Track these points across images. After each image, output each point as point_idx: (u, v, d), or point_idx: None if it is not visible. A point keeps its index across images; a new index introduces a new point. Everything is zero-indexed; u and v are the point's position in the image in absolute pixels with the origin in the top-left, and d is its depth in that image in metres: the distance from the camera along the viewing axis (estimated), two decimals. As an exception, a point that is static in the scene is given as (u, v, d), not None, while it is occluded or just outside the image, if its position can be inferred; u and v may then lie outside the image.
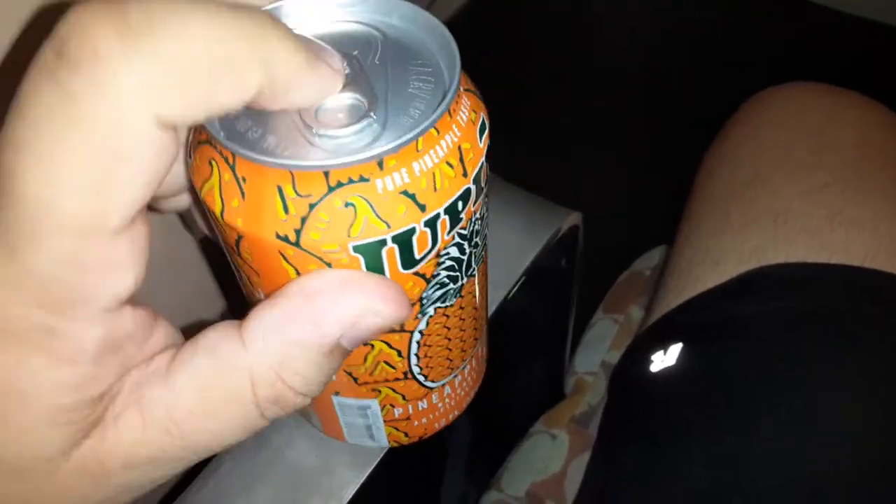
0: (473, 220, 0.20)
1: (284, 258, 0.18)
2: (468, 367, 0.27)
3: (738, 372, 0.39)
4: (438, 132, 0.18)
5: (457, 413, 0.28)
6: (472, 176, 0.19)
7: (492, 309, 0.34)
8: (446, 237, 0.19)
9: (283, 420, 0.19)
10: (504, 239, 0.36)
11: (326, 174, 0.17)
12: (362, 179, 0.17)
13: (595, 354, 0.52)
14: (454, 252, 0.20)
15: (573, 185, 0.81)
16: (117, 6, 0.14)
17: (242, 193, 0.18)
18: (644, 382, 0.42)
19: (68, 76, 0.13)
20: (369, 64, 0.20)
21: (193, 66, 0.14)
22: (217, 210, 0.18)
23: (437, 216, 0.19)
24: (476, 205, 0.20)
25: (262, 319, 0.18)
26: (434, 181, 0.18)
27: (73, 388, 0.16)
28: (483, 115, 0.20)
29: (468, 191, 0.19)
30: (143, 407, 0.17)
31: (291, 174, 0.17)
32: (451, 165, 0.18)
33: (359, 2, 0.21)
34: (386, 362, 0.23)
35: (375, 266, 0.19)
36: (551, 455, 0.47)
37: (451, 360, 0.25)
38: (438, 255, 0.20)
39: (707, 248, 0.44)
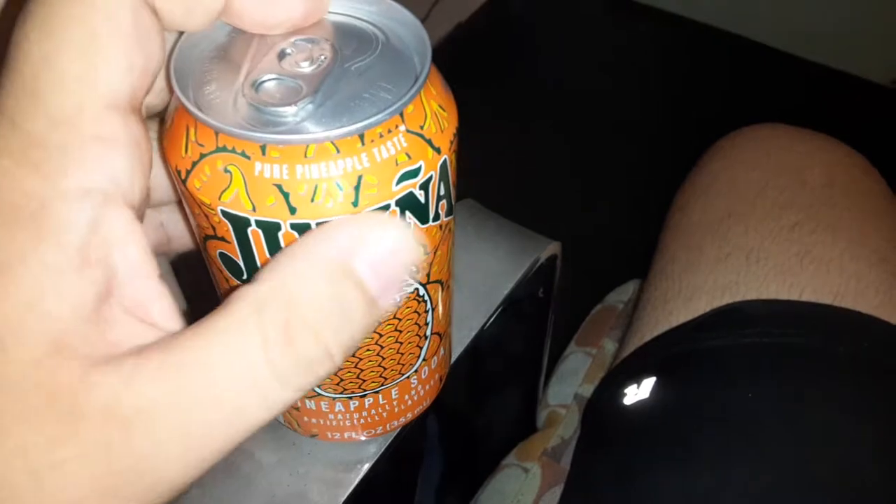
0: None
1: (181, 193, 0.20)
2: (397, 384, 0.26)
3: (711, 406, 0.39)
4: (338, 150, 0.18)
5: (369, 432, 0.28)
6: (364, 209, 0.19)
7: (469, 337, 0.34)
8: None
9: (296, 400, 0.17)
10: (482, 266, 0.36)
11: (217, 134, 0.18)
12: (244, 155, 0.18)
13: (568, 387, 0.52)
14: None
15: (550, 214, 0.82)
16: None
17: (171, 122, 0.20)
18: (618, 415, 0.42)
19: None
20: (347, 60, 0.20)
21: None
22: (158, 135, 0.21)
23: (308, 226, 0.18)
24: None
25: (276, 257, 0.17)
26: (314, 192, 0.18)
27: (56, 271, 0.15)
28: (419, 165, 0.19)
29: None
30: (145, 359, 0.16)
31: (195, 122, 0.19)
32: (339, 187, 0.18)
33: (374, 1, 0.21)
34: None
35: (243, 240, 0.19)
36: (523, 489, 0.46)
37: (362, 380, 0.25)
38: None
39: (680, 283, 0.44)
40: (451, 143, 0.21)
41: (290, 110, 0.19)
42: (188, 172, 0.19)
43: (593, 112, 1.25)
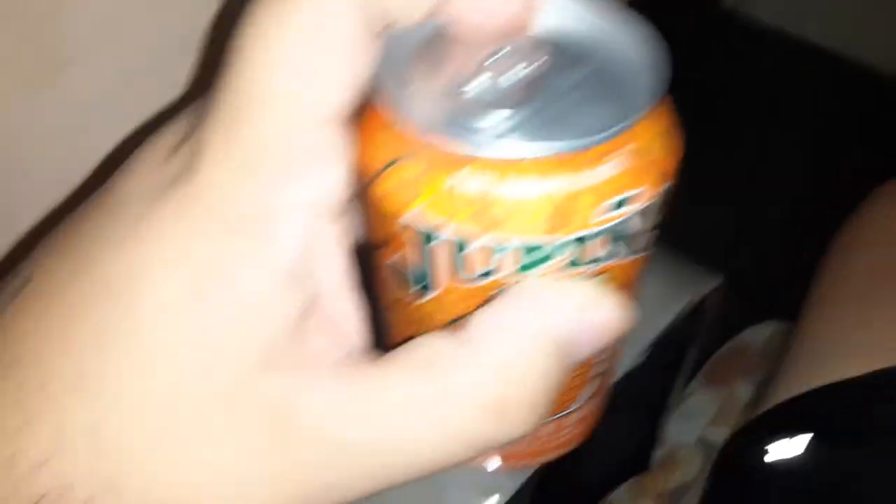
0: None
1: (360, 196, 0.18)
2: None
3: (877, 479, 0.35)
4: (551, 168, 0.16)
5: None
6: (573, 233, 0.16)
7: (618, 376, 0.31)
8: (512, 275, 0.17)
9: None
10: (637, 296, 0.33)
11: (420, 135, 0.16)
12: (443, 163, 0.16)
13: (691, 427, 0.48)
14: (526, 282, 0.18)
15: (677, 240, 0.78)
16: None
17: (364, 119, 0.17)
18: (761, 471, 0.38)
19: None
20: (562, 70, 0.18)
21: None
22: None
23: (503, 248, 0.17)
24: (573, 270, 0.17)
25: (485, 319, 0.16)
26: (519, 211, 0.16)
27: (264, 289, 0.15)
28: (634, 193, 0.17)
29: (560, 245, 0.17)
30: (346, 379, 0.16)
31: (394, 122, 0.17)
32: (550, 207, 0.16)
33: (602, 15, 0.19)
34: None
35: (421, 254, 0.17)
36: (635, 530, 0.43)
37: None
38: (500, 286, 0.17)
39: (842, 338, 0.40)
40: (675, 168, 0.18)
41: (497, 120, 0.17)
42: (375, 175, 0.17)
43: (727, 131, 1.19)
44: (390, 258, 0.19)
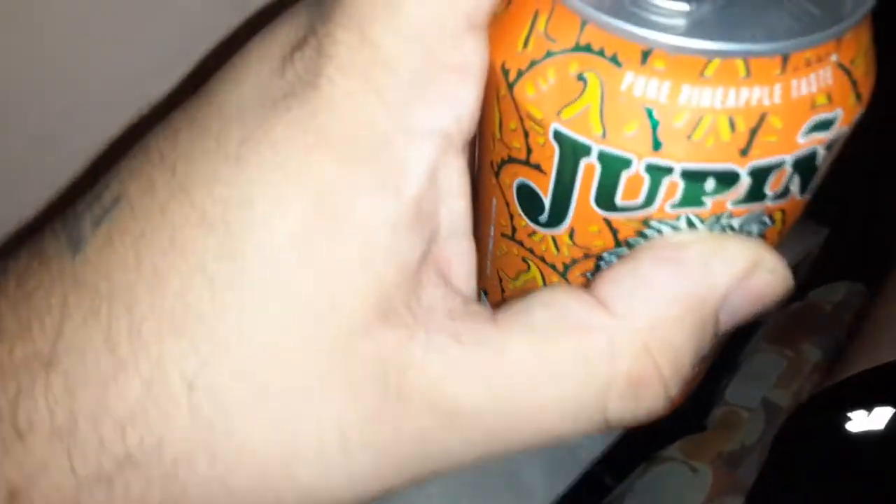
0: (721, 221, 0.15)
1: (497, 98, 0.15)
2: None
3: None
4: (748, 73, 0.13)
5: None
6: (750, 162, 0.14)
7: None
8: (668, 209, 0.15)
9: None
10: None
11: (583, 26, 0.14)
12: (614, 60, 0.13)
13: (754, 389, 0.45)
14: (668, 234, 0.15)
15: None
16: None
17: (509, 1, 0.15)
18: (834, 443, 0.35)
19: None
20: None
21: None
22: None
23: (667, 171, 0.14)
24: (741, 208, 0.15)
25: (621, 276, 0.14)
26: (694, 126, 0.13)
27: (390, 226, 0.13)
28: (836, 113, 0.14)
29: (731, 175, 0.14)
30: (463, 340, 0.14)
31: (552, 5, 0.14)
32: (731, 126, 0.13)
33: None
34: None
35: (566, 173, 0.15)
36: (689, 490, 0.41)
37: None
38: (646, 224, 0.15)
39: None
40: (870, 92, 0.15)
41: (683, 6, 0.14)
42: (520, 74, 0.14)
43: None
44: (521, 176, 0.16)
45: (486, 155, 0.17)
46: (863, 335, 0.40)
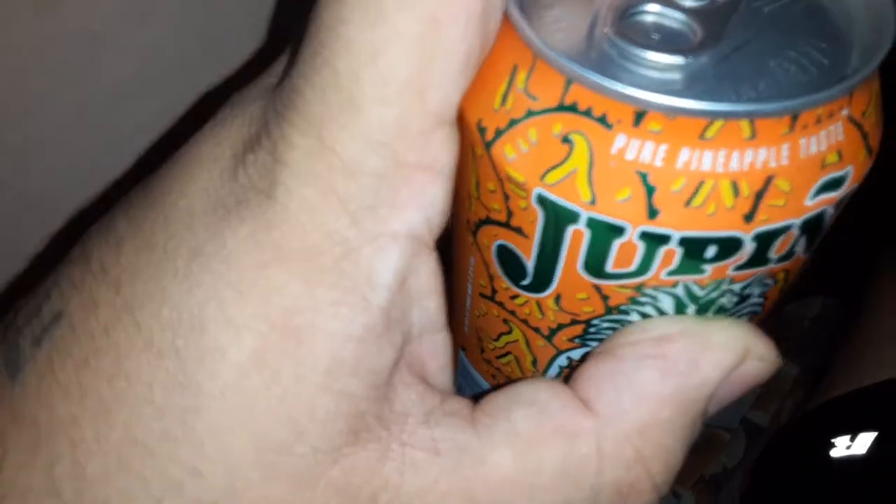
0: (725, 289, 0.14)
1: (472, 157, 0.14)
2: None
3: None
4: (754, 135, 0.12)
5: None
6: (756, 228, 0.13)
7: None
8: (663, 276, 0.13)
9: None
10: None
11: (568, 84, 0.12)
12: (603, 121, 0.12)
13: (734, 410, 0.45)
14: (665, 303, 0.14)
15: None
16: None
17: (503, 38, 0.13)
18: (816, 467, 0.35)
19: None
20: (748, 5, 0.14)
21: None
22: None
23: (664, 238, 0.13)
24: (744, 273, 0.14)
25: (604, 375, 0.13)
26: (693, 192, 0.12)
27: (358, 338, 0.12)
28: (847, 171, 0.13)
29: (735, 242, 0.13)
30: (441, 451, 0.13)
31: (534, 60, 0.13)
32: (735, 191, 0.12)
33: None
34: (518, 364, 0.18)
35: (552, 239, 0.14)
36: (672, 516, 0.41)
37: None
38: (639, 290, 0.14)
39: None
40: (880, 143, 0.14)
41: (679, 62, 0.12)
42: (499, 133, 0.13)
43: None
44: (501, 239, 0.15)
45: (461, 213, 0.16)
46: (843, 356, 0.40)
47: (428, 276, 0.13)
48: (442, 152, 0.13)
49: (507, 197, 0.14)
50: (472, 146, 0.14)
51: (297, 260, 0.12)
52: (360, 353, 0.12)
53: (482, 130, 0.14)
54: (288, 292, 0.12)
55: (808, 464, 0.36)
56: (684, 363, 0.13)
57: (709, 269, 0.13)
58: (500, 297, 0.16)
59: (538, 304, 0.15)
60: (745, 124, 0.12)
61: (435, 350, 0.14)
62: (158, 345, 0.12)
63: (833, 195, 0.13)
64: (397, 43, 0.11)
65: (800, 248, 0.14)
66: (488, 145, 0.14)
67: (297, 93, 0.12)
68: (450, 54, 0.12)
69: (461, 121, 0.14)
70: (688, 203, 0.12)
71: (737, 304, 0.15)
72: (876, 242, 0.46)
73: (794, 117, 0.12)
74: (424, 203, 0.13)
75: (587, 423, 0.13)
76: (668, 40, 0.13)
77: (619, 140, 0.12)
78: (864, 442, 0.34)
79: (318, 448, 0.12)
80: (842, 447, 0.34)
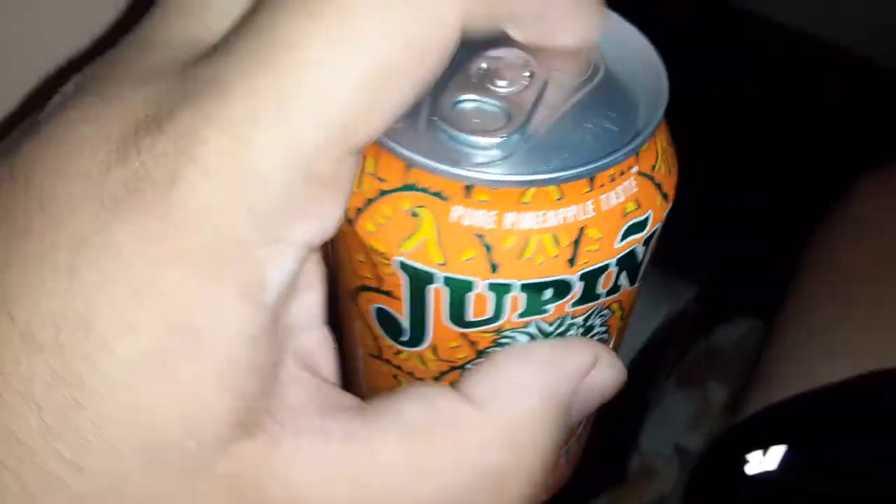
0: (568, 323, 0.16)
1: (342, 233, 0.16)
2: None
3: (852, 489, 0.34)
4: (562, 195, 0.15)
5: None
6: (579, 270, 0.15)
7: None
8: (515, 319, 0.16)
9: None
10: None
11: (408, 167, 0.15)
12: (441, 196, 0.14)
13: (666, 434, 0.46)
14: (522, 340, 0.16)
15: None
16: None
17: None
18: (738, 486, 0.36)
19: None
20: (558, 83, 0.16)
21: None
22: None
23: (508, 287, 0.15)
24: (579, 309, 0.16)
25: (482, 373, 0.15)
26: (524, 247, 0.15)
27: (251, 340, 0.13)
28: (647, 215, 0.16)
29: (565, 284, 0.15)
30: (330, 438, 0.14)
31: (378, 149, 0.15)
32: (556, 242, 0.15)
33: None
34: None
35: (418, 298, 0.16)
36: (613, 546, 0.42)
37: None
38: (499, 333, 0.16)
39: (823, 339, 0.39)
40: (676, 188, 0.17)
41: (496, 142, 0.15)
42: (359, 211, 0.15)
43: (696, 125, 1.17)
44: (377, 302, 0.17)
45: (342, 282, 0.18)
46: (757, 375, 0.42)
47: (310, 274, 0.14)
48: (349, 176, 0.13)
49: (374, 265, 0.16)
50: (341, 224, 0.16)
51: (194, 259, 0.12)
52: (252, 353, 0.13)
53: (345, 210, 0.15)
54: (184, 292, 0.12)
55: (729, 484, 0.38)
56: (549, 361, 0.15)
57: (551, 308, 0.16)
58: (386, 355, 0.18)
59: (419, 356, 0.17)
60: (553, 189, 0.14)
61: (321, 345, 0.15)
62: (39, 339, 0.12)
63: (639, 236, 0.15)
64: (351, 75, 0.12)
65: (623, 282, 0.16)
66: (352, 222, 0.16)
67: (221, 86, 0.12)
68: (394, 97, 0.12)
69: None
70: (520, 256, 0.15)
71: (584, 334, 0.17)
72: (792, 265, 0.48)
73: (591, 179, 0.14)
74: (324, 217, 0.13)
75: (469, 411, 0.14)
76: (486, 123, 0.15)
77: (456, 210, 0.14)
78: (775, 457, 0.36)
79: (208, 444, 0.12)
80: (755, 464, 0.36)
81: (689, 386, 0.50)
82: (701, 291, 0.37)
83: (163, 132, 0.12)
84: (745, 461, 0.37)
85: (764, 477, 0.36)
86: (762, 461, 0.36)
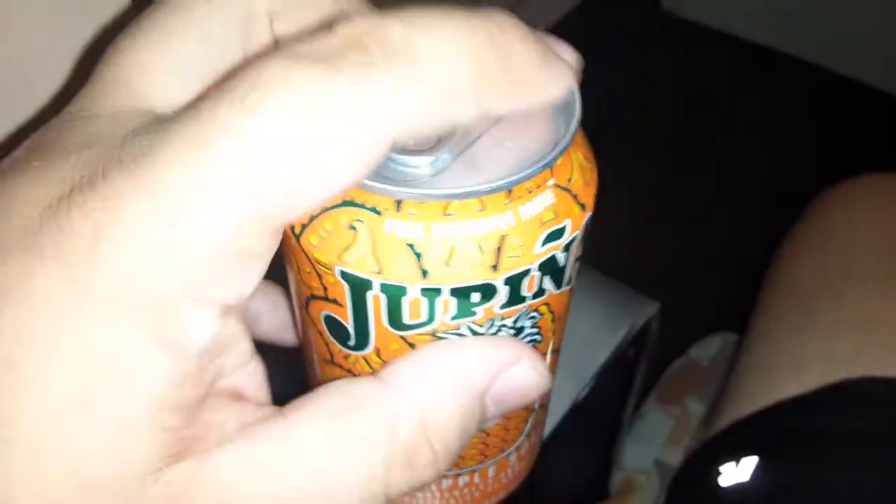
0: (499, 324, 0.18)
1: (290, 249, 0.17)
2: (494, 464, 0.23)
3: (821, 498, 0.35)
4: (483, 207, 0.16)
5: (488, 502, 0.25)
6: (502, 275, 0.16)
7: (564, 409, 0.30)
8: (449, 321, 0.17)
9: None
10: (577, 328, 0.32)
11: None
12: (375, 210, 0.16)
13: (647, 450, 0.47)
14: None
15: (624, 256, 0.78)
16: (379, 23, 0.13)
17: None
18: (712, 497, 0.37)
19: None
20: None
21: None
22: None
23: (438, 292, 0.16)
24: (507, 311, 0.17)
25: (403, 366, 0.16)
26: (450, 254, 0.16)
27: (176, 384, 0.13)
28: (566, 223, 0.17)
29: (490, 288, 0.16)
30: (253, 441, 0.15)
31: None
32: (480, 250, 0.16)
33: None
34: None
35: (359, 305, 0.17)
36: (596, 563, 0.42)
37: (461, 458, 0.22)
38: (435, 336, 0.17)
39: (787, 349, 0.40)
40: (595, 198, 0.18)
41: (424, 161, 0.16)
42: (304, 227, 0.17)
43: (666, 140, 1.20)
44: (325, 310, 0.18)
45: (297, 294, 0.19)
46: (727, 389, 0.43)
47: (235, 328, 0.15)
48: (271, 247, 0.14)
49: (320, 276, 0.17)
50: (289, 239, 0.17)
51: (118, 309, 0.13)
52: (177, 394, 0.13)
53: (292, 227, 0.17)
54: (108, 337, 0.13)
55: (699, 497, 0.38)
56: (467, 351, 0.17)
57: (479, 311, 0.17)
58: (337, 360, 0.19)
59: (366, 359, 0.18)
60: (475, 201, 0.16)
61: (248, 377, 0.16)
62: None
63: (558, 242, 0.17)
64: (280, 169, 0.13)
65: (548, 286, 0.17)
66: (298, 237, 0.17)
67: (154, 158, 0.13)
68: (318, 191, 0.13)
69: None
70: (447, 263, 0.16)
71: (515, 335, 0.18)
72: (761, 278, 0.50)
73: (509, 192, 0.16)
74: (243, 283, 0.14)
75: (384, 393, 0.15)
76: (418, 145, 0.17)
77: (389, 223, 0.16)
78: (747, 468, 0.37)
79: (138, 475, 0.13)
80: (728, 475, 0.37)
81: (668, 402, 0.51)
82: (665, 305, 0.38)
83: (94, 191, 0.13)
84: (719, 473, 0.38)
85: (737, 488, 0.37)
86: (735, 473, 0.37)
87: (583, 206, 0.17)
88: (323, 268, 0.17)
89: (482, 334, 0.17)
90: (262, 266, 0.14)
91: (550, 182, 0.17)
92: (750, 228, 0.54)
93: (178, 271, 0.13)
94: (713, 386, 0.50)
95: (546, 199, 0.16)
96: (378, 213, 0.16)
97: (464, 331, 0.17)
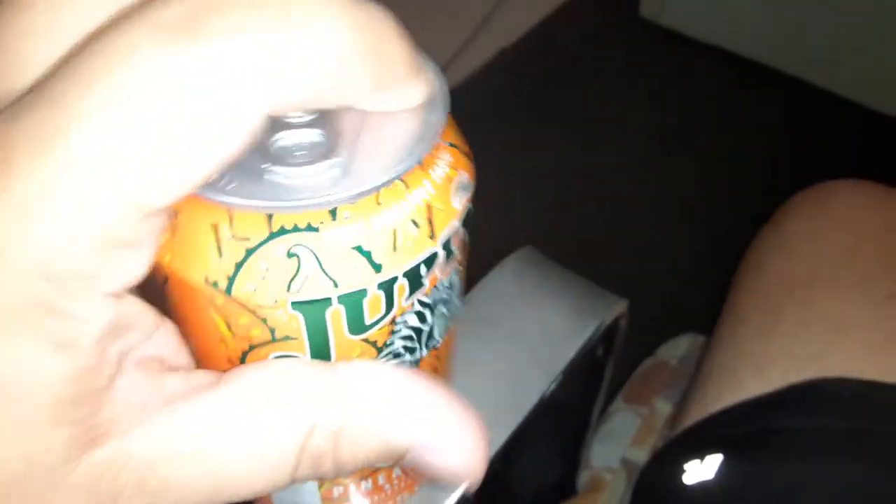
0: (440, 286, 0.18)
1: (214, 308, 0.16)
2: None
3: (785, 496, 0.35)
4: (406, 186, 0.16)
5: (407, 496, 0.25)
6: (439, 239, 0.17)
7: (528, 406, 0.30)
8: (404, 303, 0.17)
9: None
10: (544, 324, 0.32)
11: (270, 217, 0.15)
12: (310, 228, 0.15)
13: (614, 449, 0.47)
14: (413, 321, 0.18)
15: (596, 256, 0.78)
16: None
17: (174, 227, 0.16)
18: (677, 494, 0.38)
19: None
20: (343, 121, 0.17)
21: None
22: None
23: (394, 280, 0.16)
24: (444, 271, 0.18)
25: (359, 370, 0.17)
26: (394, 240, 0.16)
27: (75, 380, 0.13)
28: (465, 174, 0.18)
29: (434, 255, 0.17)
30: (175, 414, 0.15)
31: (230, 213, 0.15)
32: (416, 224, 0.16)
33: None
34: None
35: (317, 328, 0.17)
36: (561, 561, 0.42)
37: None
38: (393, 322, 0.17)
39: (752, 350, 0.40)
40: (471, 189, 0.19)
41: (333, 162, 0.16)
42: (231, 278, 0.16)
43: (642, 146, 1.21)
44: (274, 352, 0.17)
45: (216, 357, 0.18)
46: (693, 388, 0.43)
47: (134, 304, 0.15)
48: (153, 232, 0.14)
49: (264, 320, 0.16)
50: (211, 299, 0.16)
51: (4, 327, 0.13)
52: (78, 388, 0.13)
53: (214, 284, 0.16)
54: (1, 354, 0.13)
55: (664, 495, 0.39)
56: (413, 411, 0.17)
57: (426, 280, 0.17)
58: None
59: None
60: (399, 183, 0.16)
61: (161, 344, 0.16)
62: None
63: (468, 194, 0.18)
64: (136, 148, 0.12)
65: (466, 238, 0.18)
66: (228, 290, 0.16)
67: (8, 158, 0.12)
68: (188, 169, 0.13)
69: (186, 286, 0.16)
70: (394, 249, 0.16)
71: (449, 289, 0.19)
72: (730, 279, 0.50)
73: (420, 163, 0.16)
74: (128, 273, 0.14)
75: (320, 392, 0.16)
76: (313, 152, 0.16)
77: (329, 234, 0.15)
78: (711, 466, 0.37)
79: (56, 467, 0.13)
80: (693, 473, 0.37)
81: (636, 401, 0.51)
82: (634, 305, 0.38)
83: None
84: (683, 471, 0.38)
85: (702, 486, 0.37)
86: (700, 470, 0.37)
87: (467, 156, 0.18)
88: (267, 311, 0.16)
89: (429, 304, 0.18)
90: (146, 254, 0.14)
91: (443, 143, 0.17)
92: (721, 231, 0.54)
93: (51, 276, 0.13)
94: (681, 386, 0.50)
95: (446, 157, 0.17)
96: (315, 229, 0.15)
97: (416, 307, 0.17)
